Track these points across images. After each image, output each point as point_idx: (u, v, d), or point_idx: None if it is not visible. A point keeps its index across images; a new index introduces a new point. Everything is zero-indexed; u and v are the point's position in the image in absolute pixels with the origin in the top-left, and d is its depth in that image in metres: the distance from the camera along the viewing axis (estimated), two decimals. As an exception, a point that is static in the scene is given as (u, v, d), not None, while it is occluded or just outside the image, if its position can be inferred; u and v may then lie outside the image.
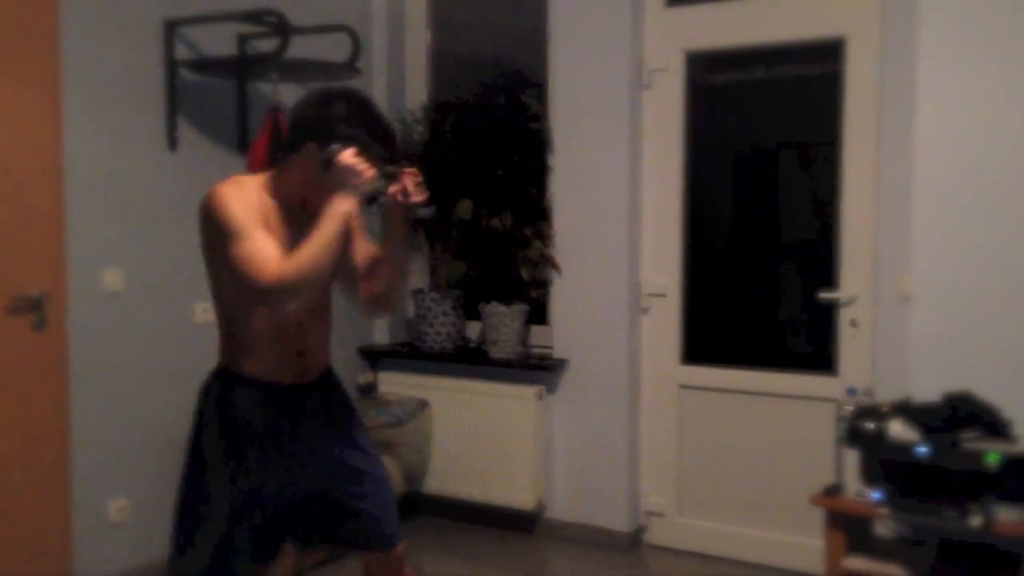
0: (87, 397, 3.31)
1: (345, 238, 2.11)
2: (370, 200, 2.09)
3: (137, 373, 3.47)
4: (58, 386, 3.22)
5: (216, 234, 2.07)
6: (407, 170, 2.16)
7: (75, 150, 3.26)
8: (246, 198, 2.10)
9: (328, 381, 2.35)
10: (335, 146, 2.03)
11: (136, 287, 3.45)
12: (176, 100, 3.57)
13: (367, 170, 2.04)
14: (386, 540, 2.37)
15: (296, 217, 2.12)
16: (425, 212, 2.22)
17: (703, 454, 3.97)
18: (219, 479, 2.19)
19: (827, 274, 3.67)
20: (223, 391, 2.22)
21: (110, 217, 3.39)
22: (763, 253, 4.02)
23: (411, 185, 2.15)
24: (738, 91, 4.04)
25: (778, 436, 3.79)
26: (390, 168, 2.11)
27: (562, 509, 4.17)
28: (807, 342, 3.96)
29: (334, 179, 2.04)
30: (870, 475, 3.07)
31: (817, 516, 3.31)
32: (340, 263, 2.19)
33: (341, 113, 2.10)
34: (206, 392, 2.25)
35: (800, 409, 3.73)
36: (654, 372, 4.05)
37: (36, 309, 3.13)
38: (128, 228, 3.43)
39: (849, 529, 3.19)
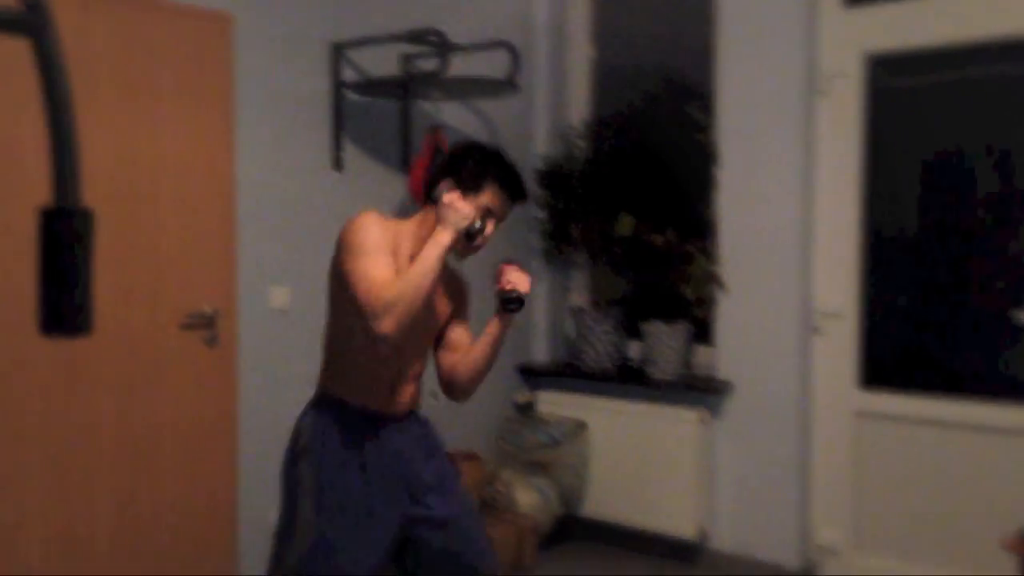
0: (253, 410, 3.40)
1: (447, 288, 2.37)
2: (468, 236, 2.24)
3: (301, 388, 3.53)
4: (228, 399, 3.32)
5: (343, 250, 2.20)
6: (510, 265, 2.35)
7: (246, 171, 3.36)
8: (385, 227, 2.24)
9: (414, 419, 2.45)
10: (443, 186, 2.25)
11: (301, 304, 3.52)
12: (342, 121, 3.64)
13: (465, 208, 2.21)
14: (484, 567, 2.42)
15: (469, 235, 2.25)
16: (521, 300, 2.34)
17: (883, 487, 3.69)
18: (305, 498, 2.30)
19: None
20: (320, 415, 2.36)
21: (277, 236, 3.47)
22: (956, 269, 3.71)
23: (512, 274, 2.32)
24: (925, 95, 3.75)
25: (970, 470, 3.47)
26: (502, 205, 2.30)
27: (726, 540, 3.97)
28: (1005, 367, 3.62)
29: (438, 214, 2.22)
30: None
31: (1012, 561, 2.99)
32: (438, 330, 2.40)
33: (472, 162, 2.28)
34: (303, 417, 2.40)
35: (995, 442, 3.40)
36: (828, 398, 3.80)
37: (209, 325, 3.24)
38: (294, 247, 3.51)
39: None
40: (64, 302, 1.53)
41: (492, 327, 2.37)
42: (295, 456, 2.36)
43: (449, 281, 2.42)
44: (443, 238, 2.19)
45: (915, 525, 3.60)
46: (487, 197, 2.27)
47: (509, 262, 2.37)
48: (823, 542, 3.83)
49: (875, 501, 3.71)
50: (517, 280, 2.32)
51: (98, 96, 2.94)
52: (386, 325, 2.10)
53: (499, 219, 2.32)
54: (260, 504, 3.45)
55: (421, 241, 2.25)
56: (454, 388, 2.44)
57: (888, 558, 3.67)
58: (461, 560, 2.41)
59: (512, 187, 2.31)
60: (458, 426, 4.16)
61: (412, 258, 2.24)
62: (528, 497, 4.04)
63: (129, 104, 3.01)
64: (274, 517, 3.47)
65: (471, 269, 2.55)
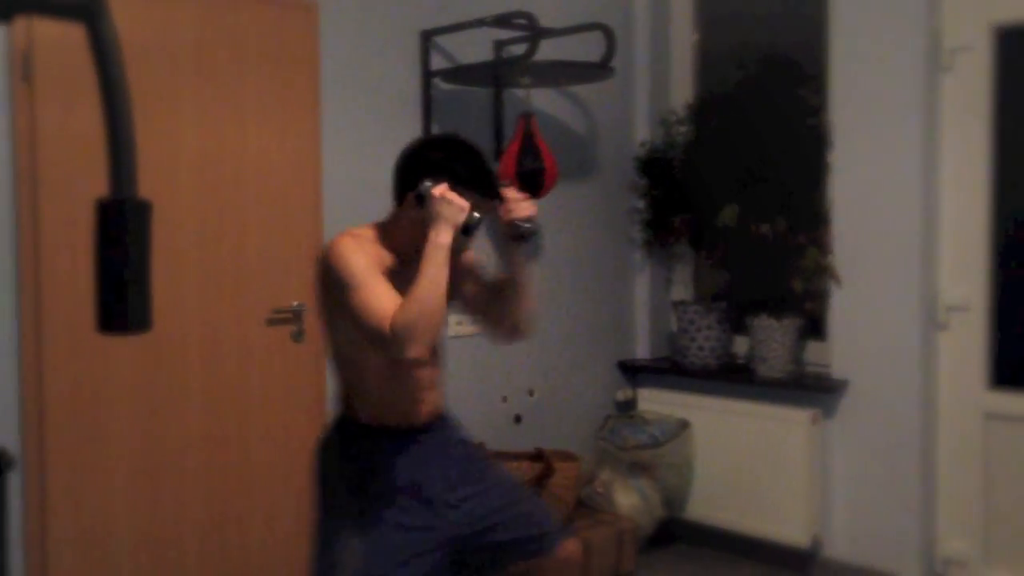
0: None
1: (457, 274, 2.20)
2: (465, 230, 2.08)
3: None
4: (315, 394, 3.27)
5: (335, 285, 2.07)
6: (508, 190, 2.18)
7: (333, 164, 3.30)
8: (364, 248, 2.12)
9: (445, 422, 2.35)
10: (427, 182, 2.08)
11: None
12: (432, 111, 3.54)
13: (460, 201, 2.05)
14: (541, 549, 2.35)
15: (412, 266, 2.08)
16: (530, 228, 2.17)
17: (1015, 495, 3.37)
18: (350, 532, 2.18)
19: None
20: (344, 442, 2.25)
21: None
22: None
23: (514, 203, 2.15)
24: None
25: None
26: (484, 200, 2.14)
27: (841, 549, 3.72)
28: None
29: (429, 213, 2.06)
30: None
31: None
32: (480, 304, 2.31)
33: (436, 157, 2.14)
34: (326, 445, 2.30)
35: None
36: (954, 398, 3.50)
37: (295, 320, 3.20)
38: (384, 240, 3.43)
39: None
40: (121, 298, 1.46)
41: (511, 267, 2.25)
42: (327, 484, 2.28)
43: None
44: (442, 238, 2.04)
45: (1053, 539, 3.29)
46: (469, 195, 2.10)
47: (509, 188, 2.22)
48: (949, 553, 3.53)
49: (1006, 510, 3.39)
50: (523, 208, 2.16)
51: (183, 89, 2.92)
52: (412, 350, 1.99)
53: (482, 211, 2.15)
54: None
55: (397, 240, 2.16)
56: (503, 330, 2.34)
57: (1021, 572, 3.36)
58: (532, 543, 2.34)
59: (483, 185, 2.14)
60: (555, 424, 4.04)
61: (398, 256, 2.15)
62: (628, 498, 3.87)
63: (214, 97, 2.99)
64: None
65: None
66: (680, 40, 4.33)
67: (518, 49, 3.55)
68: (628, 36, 4.20)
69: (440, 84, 3.56)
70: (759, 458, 3.82)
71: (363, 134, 3.39)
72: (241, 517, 3.11)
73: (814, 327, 3.86)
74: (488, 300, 2.32)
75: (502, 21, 3.32)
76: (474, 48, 3.61)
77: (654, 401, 4.17)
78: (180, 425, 2.96)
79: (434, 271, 2.01)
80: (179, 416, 2.95)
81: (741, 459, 3.88)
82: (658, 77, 4.31)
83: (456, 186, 2.08)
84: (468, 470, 2.33)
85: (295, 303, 3.20)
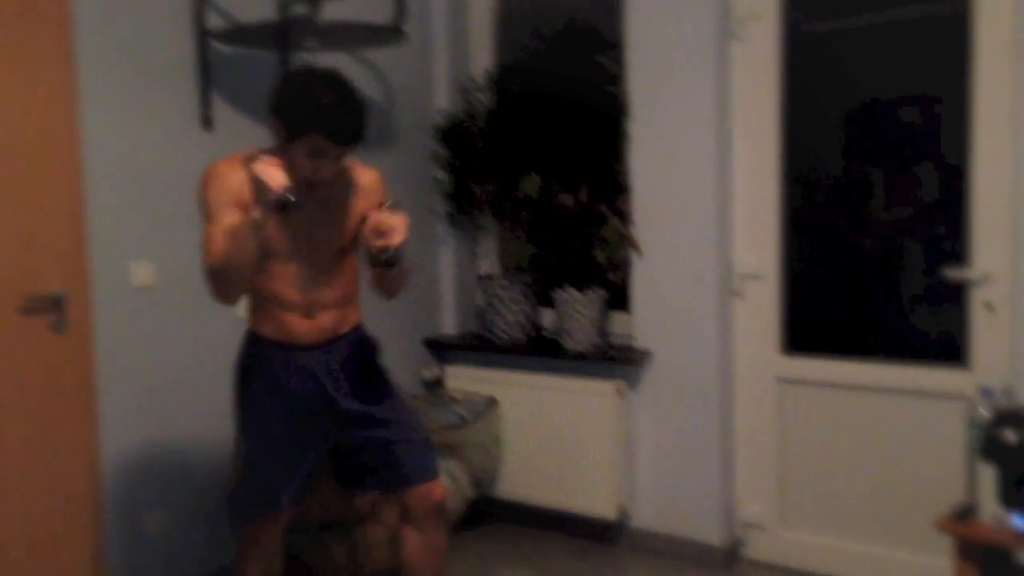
0: (117, 402, 3.04)
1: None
2: (279, 208, 2.14)
3: (172, 374, 3.19)
4: (83, 391, 2.95)
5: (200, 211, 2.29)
6: (379, 213, 2.28)
7: (96, 133, 2.97)
8: (228, 178, 2.26)
9: (348, 340, 2.52)
10: (265, 149, 2.24)
11: (168, 281, 3.15)
12: (209, 74, 3.25)
13: (276, 179, 2.12)
14: (409, 478, 2.55)
15: (284, 207, 2.17)
16: (393, 256, 2.30)
17: (809, 458, 3.47)
18: (247, 424, 2.48)
19: (956, 249, 3.12)
20: (244, 348, 2.51)
21: (137, 205, 3.09)
22: (878, 225, 3.47)
23: (380, 225, 2.26)
24: (845, 39, 3.48)
25: (897, 438, 3.26)
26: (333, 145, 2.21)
27: (647, 518, 3.73)
28: (931, 329, 3.41)
29: (252, 187, 2.16)
30: (1011, 496, 2.54)
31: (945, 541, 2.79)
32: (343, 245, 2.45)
33: (286, 97, 2.24)
34: (240, 349, 2.53)
35: (924, 407, 3.19)
36: (750, 364, 3.56)
37: (56, 308, 2.86)
38: (158, 216, 3.13)
39: (985, 560, 2.67)
40: None
41: (374, 276, 2.44)
42: (234, 394, 2.52)
43: (342, 192, 2.40)
44: (252, 216, 2.14)
45: (844, 498, 3.39)
46: (313, 140, 2.19)
47: (382, 207, 2.31)
48: (748, 517, 3.61)
49: (801, 473, 3.49)
50: (389, 232, 2.26)
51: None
52: (214, 297, 2.25)
53: (335, 157, 2.25)
54: (130, 509, 3.11)
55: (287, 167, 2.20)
56: (375, 288, 2.52)
57: (816, 533, 3.46)
58: (406, 469, 2.53)
59: (340, 133, 2.20)
60: (358, 407, 3.85)
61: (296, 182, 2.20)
62: (436, 481, 3.74)
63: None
64: (151, 523, 3.17)
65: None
66: (479, 5, 4.19)
67: (301, 8, 3.31)
68: (425, -1, 4.02)
69: (219, 45, 3.28)
70: (567, 432, 3.78)
71: (131, 100, 3.06)
72: (-4, 531, 2.77)
73: (619, 298, 3.84)
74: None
75: (285, -19, 3.07)
76: (256, 7, 3.33)
77: (462, 379, 4.05)
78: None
79: (236, 241, 2.13)
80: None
81: (549, 434, 3.82)
82: (457, 43, 4.15)
83: (299, 135, 2.17)
84: (359, 384, 2.50)
85: (55, 290, 2.86)
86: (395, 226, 2.25)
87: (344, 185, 2.42)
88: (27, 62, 2.79)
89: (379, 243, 2.25)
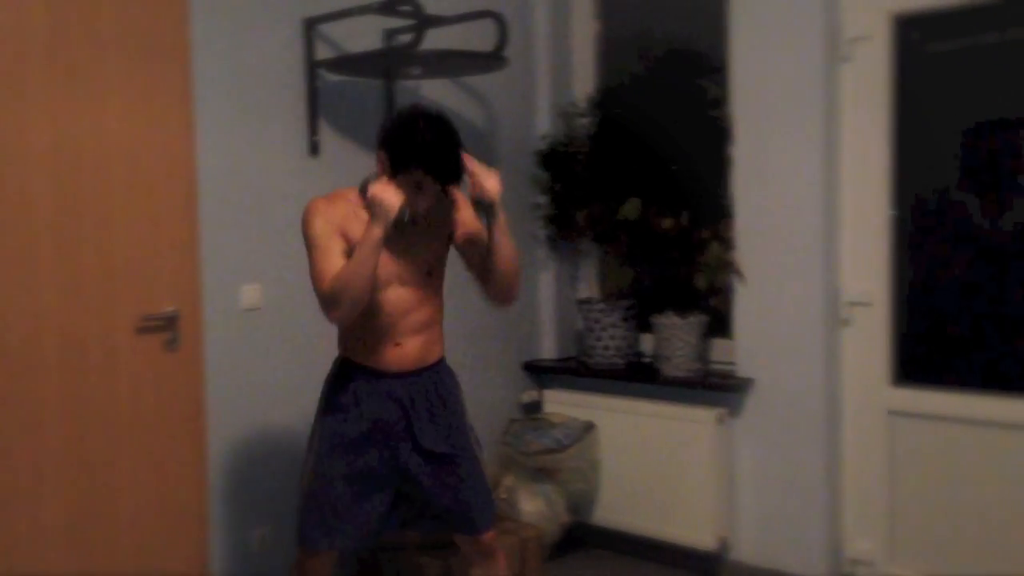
0: (225, 419, 3.14)
1: (463, 242, 2.55)
2: (397, 224, 2.33)
3: (276, 392, 3.27)
4: (193, 407, 3.06)
5: (304, 244, 2.43)
6: (472, 164, 2.38)
7: (209, 159, 3.08)
8: (331, 212, 2.42)
9: (433, 373, 2.58)
10: (369, 177, 2.40)
11: (274, 302, 3.24)
12: (317, 102, 3.35)
13: (390, 199, 2.28)
14: (471, 526, 2.59)
15: (399, 224, 2.36)
16: (488, 199, 2.38)
17: (920, 493, 3.33)
18: (324, 452, 2.52)
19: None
20: (333, 372, 2.60)
21: (247, 229, 3.19)
22: (996, 249, 3.32)
23: (477, 177, 2.37)
24: (962, 59, 3.35)
25: (1013, 475, 3.11)
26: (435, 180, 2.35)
27: (749, 551, 3.64)
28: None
29: (368, 205, 2.32)
30: None
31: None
32: (473, 264, 2.56)
33: (395, 136, 2.35)
34: (329, 374, 2.62)
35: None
36: (858, 395, 3.45)
37: (169, 327, 2.98)
38: (266, 240, 3.23)
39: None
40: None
41: (484, 231, 2.47)
42: (317, 417, 2.60)
43: (431, 217, 2.49)
44: (374, 233, 2.28)
45: (955, 533, 3.24)
46: (414, 175, 2.33)
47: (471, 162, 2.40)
48: (855, 553, 3.48)
49: (912, 508, 3.35)
50: (484, 181, 2.37)
51: (32, 76, 2.68)
52: (333, 316, 2.37)
53: (433, 192, 2.38)
54: (237, 525, 3.20)
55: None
56: (490, 293, 2.56)
57: (926, 571, 3.32)
58: (469, 517, 2.57)
59: (438, 171, 2.33)
60: (457, 429, 3.88)
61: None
62: (532, 505, 3.74)
63: (69, 84, 2.75)
64: (253, 533, 3.25)
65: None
66: (581, 30, 4.20)
67: (409, 39, 3.38)
68: (526, 25, 4.06)
69: (326, 74, 3.37)
70: (665, 459, 3.72)
71: (243, 128, 3.17)
72: (107, 547, 2.88)
73: (720, 324, 3.77)
74: (481, 263, 2.53)
75: (387, 8, 3.14)
76: (364, 38, 3.42)
77: (560, 403, 4.04)
78: (35, 448, 2.71)
79: (361, 257, 2.27)
80: (34, 437, 2.71)
81: (647, 461, 3.77)
82: (559, 68, 4.18)
83: (402, 170, 2.30)
84: (437, 420, 2.55)
85: (169, 308, 2.98)
86: (489, 174, 2.39)
87: (439, 215, 2.54)
88: (147, 93, 2.92)
89: (475, 192, 2.37)
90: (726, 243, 3.60)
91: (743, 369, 3.62)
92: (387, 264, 2.43)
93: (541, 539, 3.64)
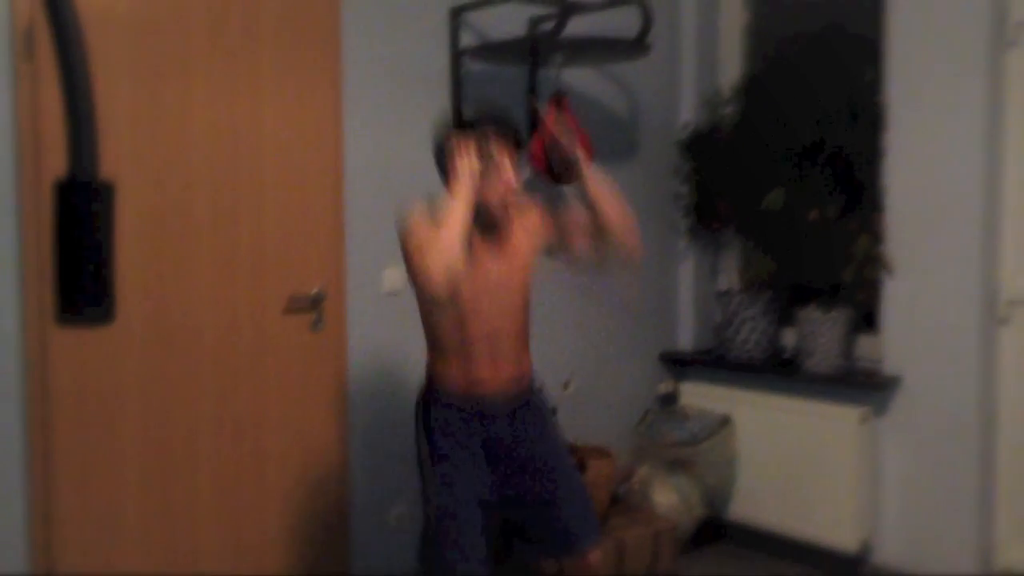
0: (365, 399, 3.24)
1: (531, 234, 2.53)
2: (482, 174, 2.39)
3: (414, 373, 3.34)
4: (335, 387, 3.17)
5: (405, 251, 2.38)
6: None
7: (355, 146, 3.18)
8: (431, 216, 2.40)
9: (527, 392, 2.54)
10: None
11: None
12: (463, 89, 3.40)
13: (468, 156, 2.35)
14: (576, 546, 2.55)
15: (487, 226, 2.45)
16: (568, 150, 2.46)
17: (1083, 505, 3.13)
18: (434, 486, 2.49)
19: None
20: (426, 410, 2.54)
21: (391, 214, 3.27)
22: None
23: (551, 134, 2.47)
24: None
25: None
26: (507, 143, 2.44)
27: (892, 554, 3.50)
28: None
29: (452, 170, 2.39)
30: None
31: None
32: (522, 278, 2.51)
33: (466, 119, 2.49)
34: (416, 408, 2.59)
35: None
36: (1016, 397, 3.26)
37: (314, 308, 3.09)
38: (409, 225, 3.30)
39: None
40: (81, 287, 1.35)
41: (580, 186, 2.48)
42: (421, 454, 2.56)
43: (516, 229, 2.51)
44: (458, 189, 2.34)
45: (1124, 552, 3.03)
46: (483, 138, 2.39)
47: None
48: (1010, 562, 3.30)
49: (1074, 520, 3.16)
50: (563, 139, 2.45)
51: (196, 65, 2.82)
52: (434, 276, 2.24)
53: (508, 156, 2.41)
54: (376, 500, 3.30)
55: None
56: (604, 241, 2.51)
57: (1089, 588, 3.12)
58: (572, 537, 2.53)
59: (499, 126, 2.41)
60: (592, 417, 3.88)
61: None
62: (666, 497, 3.71)
63: (228, 73, 2.88)
64: (390, 511, 3.35)
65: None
66: (730, 16, 4.11)
67: (553, 26, 3.38)
68: (674, 13, 4.00)
69: (470, 62, 3.42)
70: (805, 457, 3.62)
71: (388, 113, 3.26)
72: (255, 510, 3.02)
73: (866, 320, 3.63)
74: (566, 228, 2.54)
75: (532, -2, 3.15)
76: (509, 25, 3.45)
77: (697, 395, 3.99)
78: (191, 417, 2.87)
79: (453, 207, 2.30)
80: (190, 408, 2.87)
81: (786, 457, 3.68)
82: (705, 55, 4.10)
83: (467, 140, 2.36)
84: (539, 444, 2.53)
85: (314, 290, 3.09)
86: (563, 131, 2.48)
87: (518, 224, 2.54)
88: (300, 80, 3.03)
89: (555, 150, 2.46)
90: (875, 236, 3.46)
91: (890, 367, 3.48)
92: (475, 280, 2.43)
93: (675, 532, 3.61)
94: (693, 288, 4.14)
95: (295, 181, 3.04)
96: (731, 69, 4.10)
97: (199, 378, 2.88)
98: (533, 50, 3.35)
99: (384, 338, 3.28)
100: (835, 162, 3.56)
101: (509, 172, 2.41)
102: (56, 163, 2.59)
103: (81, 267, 1.34)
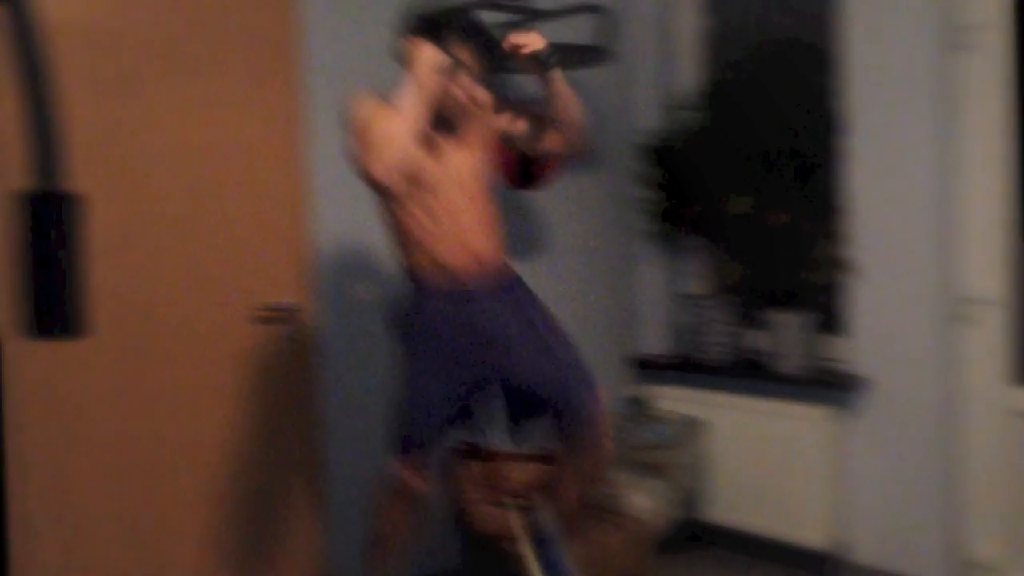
0: (338, 407, 3.24)
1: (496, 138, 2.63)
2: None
3: (385, 382, 3.36)
4: (307, 395, 3.17)
5: (352, 141, 2.45)
6: (512, 37, 2.49)
7: (321, 156, 3.18)
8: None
9: (501, 271, 2.60)
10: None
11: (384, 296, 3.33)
12: (427, 100, 3.42)
13: (434, 56, 2.40)
14: (572, 397, 2.60)
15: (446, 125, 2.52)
16: (546, 52, 2.49)
17: (1046, 497, 3.19)
18: (408, 373, 2.58)
19: None
20: (411, 302, 2.59)
21: (360, 223, 3.29)
22: None
23: (524, 43, 2.46)
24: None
25: None
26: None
27: (864, 552, 3.55)
28: None
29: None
30: None
31: None
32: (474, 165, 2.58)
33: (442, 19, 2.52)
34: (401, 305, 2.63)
35: None
36: (978, 395, 3.32)
37: (284, 317, 3.10)
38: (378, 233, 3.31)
39: None
40: (51, 301, 1.35)
41: (548, 90, 2.53)
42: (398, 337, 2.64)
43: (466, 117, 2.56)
44: (415, 77, 2.39)
45: (1087, 542, 3.10)
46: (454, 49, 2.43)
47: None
48: (976, 557, 3.36)
49: (1037, 512, 3.22)
50: (533, 44, 2.44)
51: (153, 78, 2.83)
52: (379, 168, 2.33)
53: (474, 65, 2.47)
54: (350, 502, 3.30)
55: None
56: (561, 142, 2.62)
57: (1054, 579, 3.18)
58: (542, 382, 2.57)
59: (472, 32, 2.48)
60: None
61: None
62: (641, 500, 3.73)
63: (186, 85, 2.90)
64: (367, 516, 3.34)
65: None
66: (687, 23, 4.17)
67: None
68: (631, 20, 4.05)
69: (433, 73, 3.44)
70: (776, 457, 3.67)
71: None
72: (233, 517, 3.02)
73: (833, 321, 3.69)
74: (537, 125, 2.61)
75: (495, 4, 3.19)
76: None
77: (667, 398, 4.03)
78: (160, 430, 2.86)
79: (407, 91, 2.35)
80: (158, 420, 2.86)
81: (758, 458, 3.72)
82: (663, 62, 4.15)
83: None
84: (517, 324, 2.56)
85: (282, 300, 3.10)
86: (530, 38, 2.46)
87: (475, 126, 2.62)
88: (261, 90, 3.05)
89: (524, 50, 2.43)
90: (835, 239, 3.52)
91: (857, 367, 3.53)
92: (436, 170, 2.50)
93: (650, 534, 3.63)
94: (662, 293, 4.18)
95: (258, 191, 3.05)
96: (691, 75, 4.15)
97: (167, 392, 2.88)
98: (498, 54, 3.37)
99: (355, 346, 3.28)
100: (799, 167, 3.62)
101: (471, 83, 2.48)
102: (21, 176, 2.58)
103: (51, 283, 1.34)
